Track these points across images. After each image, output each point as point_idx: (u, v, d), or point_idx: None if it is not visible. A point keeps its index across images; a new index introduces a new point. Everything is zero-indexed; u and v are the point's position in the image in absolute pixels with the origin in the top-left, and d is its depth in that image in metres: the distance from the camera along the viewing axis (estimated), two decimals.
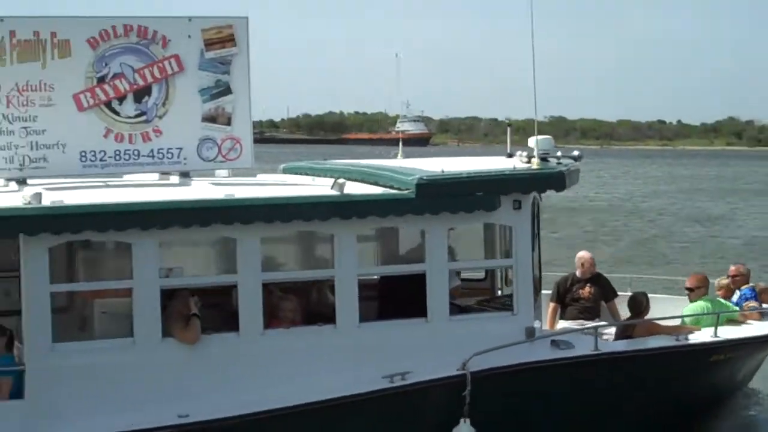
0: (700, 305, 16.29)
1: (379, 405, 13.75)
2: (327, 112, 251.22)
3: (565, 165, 15.15)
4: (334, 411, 13.56)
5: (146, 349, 13.22)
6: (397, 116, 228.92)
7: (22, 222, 12.60)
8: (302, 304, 14.44)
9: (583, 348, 14.83)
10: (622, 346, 15.40)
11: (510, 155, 16.26)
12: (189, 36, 14.67)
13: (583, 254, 17.33)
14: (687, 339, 15.42)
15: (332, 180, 14.72)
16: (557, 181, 14.76)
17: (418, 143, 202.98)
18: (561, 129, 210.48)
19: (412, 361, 14.06)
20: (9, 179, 14.44)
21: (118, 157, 14.53)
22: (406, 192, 14.08)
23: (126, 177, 15.23)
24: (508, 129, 17.35)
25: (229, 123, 14.87)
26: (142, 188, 14.28)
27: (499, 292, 16.92)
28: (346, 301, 14.00)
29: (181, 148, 14.75)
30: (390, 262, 15.51)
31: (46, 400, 12.76)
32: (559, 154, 15.45)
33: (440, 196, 14.15)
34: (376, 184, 14.70)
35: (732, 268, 17.67)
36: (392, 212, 14.01)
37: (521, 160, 15.30)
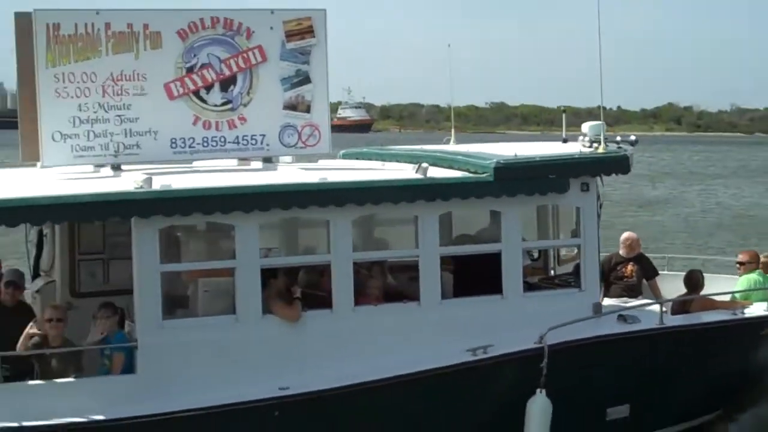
0: (753, 278, 17.16)
1: (464, 377, 14.52)
2: None
3: (624, 150, 15.99)
4: (424, 383, 14.31)
5: (248, 325, 13.90)
6: (339, 103, 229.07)
7: (136, 205, 13.23)
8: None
9: (649, 322, 15.68)
10: (685, 320, 16.25)
11: (565, 140, 17.06)
12: (271, 28, 15.31)
13: (629, 234, 18.14)
14: (743, 313, 16.32)
15: (403, 164, 15.47)
16: (623, 164, 15.61)
17: (359, 130, 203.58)
18: (502, 115, 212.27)
19: (489, 336, 14.83)
20: (101, 165, 14.98)
21: (206, 144, 15.16)
22: (484, 175, 14.84)
23: (195, 163, 15.77)
24: (564, 116, 18.13)
25: (308, 111, 15.53)
26: (234, 173, 14.92)
27: (552, 272, 17.73)
28: (429, 280, 14.75)
29: (264, 135, 15.40)
30: (463, 242, 16.20)
31: (156, 375, 13.39)
32: (618, 138, 16.27)
33: (516, 179, 14.94)
34: (450, 167, 15.43)
35: None
36: (473, 194, 14.79)
37: (584, 145, 16.08)
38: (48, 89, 14.44)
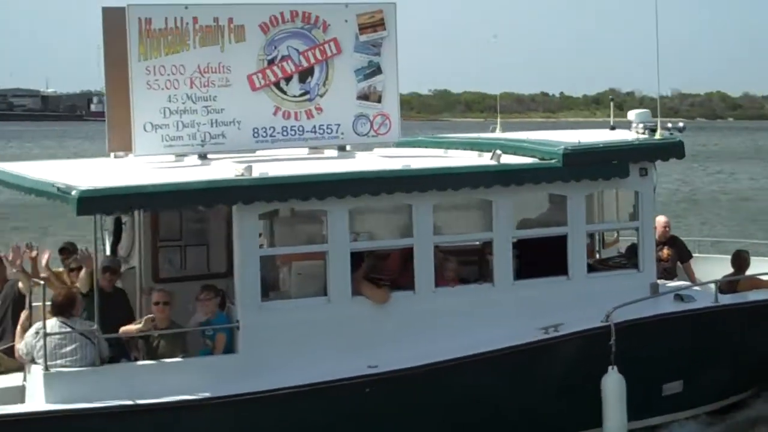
0: None
1: (539, 355, 15.31)
2: None
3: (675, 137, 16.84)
4: (503, 360, 15.08)
5: (339, 306, 14.59)
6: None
7: (240, 192, 13.88)
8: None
9: (703, 301, 16.55)
10: (735, 299, 17.12)
11: (613, 127, 17.86)
12: (346, 21, 15.98)
13: (660, 218, 18.90)
14: None
15: (465, 152, 16.25)
16: (679, 150, 16.46)
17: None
18: (445, 102, 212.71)
19: (557, 315, 15.62)
20: (182, 155, 15.57)
21: (285, 133, 15.82)
22: (552, 161, 15.62)
23: (261, 153, 16.30)
24: (611, 103, 18.90)
25: (379, 100, 16.22)
26: (318, 161, 15.58)
27: (598, 255, 18.54)
28: (503, 262, 15.52)
29: (339, 124, 16.07)
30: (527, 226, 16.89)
31: (256, 354, 14.05)
32: (669, 125, 17.09)
33: (582, 165, 15.74)
34: (515, 154, 16.17)
35: None
36: (543, 179, 15.56)
37: (637, 132, 16.89)
38: (140, 81, 15.03)
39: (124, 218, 16.69)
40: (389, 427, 14.55)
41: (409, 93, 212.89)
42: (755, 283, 17.31)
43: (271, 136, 15.77)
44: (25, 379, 13.88)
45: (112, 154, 16.67)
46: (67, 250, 16.09)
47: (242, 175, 13.97)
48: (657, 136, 16.58)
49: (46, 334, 13.23)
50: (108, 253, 16.91)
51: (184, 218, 16.50)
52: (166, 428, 13.47)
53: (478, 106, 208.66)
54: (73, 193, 13.13)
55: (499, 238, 15.51)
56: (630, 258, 16.96)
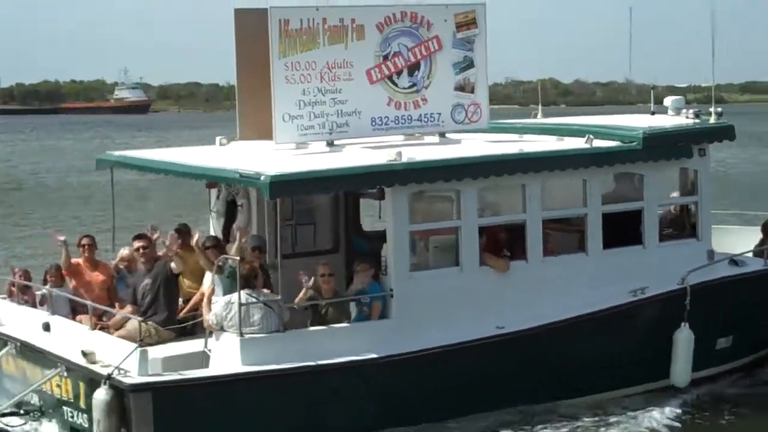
0: None
1: (632, 313, 17.45)
2: (42, 80, 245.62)
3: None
4: (606, 319, 17.18)
5: (469, 275, 16.48)
6: (116, 84, 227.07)
7: (395, 175, 15.65)
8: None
9: (756, 265, 18.94)
10: None
11: (653, 113, 20.08)
12: (445, 20, 17.79)
13: None
14: None
15: (542, 137, 18.28)
16: (731, 133, 18.78)
17: (137, 111, 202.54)
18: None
19: (637, 279, 17.77)
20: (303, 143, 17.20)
21: (397, 122, 17.58)
22: (633, 144, 17.75)
23: (348, 142, 17.91)
24: (652, 92, 21.10)
25: (473, 91, 18.08)
26: (432, 146, 17.37)
27: None
28: (595, 233, 17.60)
29: (440, 113, 17.89)
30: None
31: (406, 319, 15.85)
32: (719, 110, 19.29)
33: (658, 147, 17.91)
34: (596, 138, 18.16)
35: None
36: (628, 160, 17.68)
37: (687, 116, 19.14)
38: (280, 76, 16.59)
39: (240, 200, 18.19)
40: (515, 381, 16.47)
41: None
42: None
43: (385, 124, 17.47)
44: (206, 346, 15.34)
45: (216, 141, 18.22)
46: (182, 231, 17.53)
47: (395, 160, 15.69)
48: (712, 120, 18.82)
49: (240, 305, 14.74)
50: (213, 233, 18.37)
51: (295, 200, 18.11)
52: (339, 385, 15.14)
53: None
54: (263, 178, 14.69)
55: (592, 212, 17.56)
56: (680, 227, 19.11)
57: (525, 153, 16.81)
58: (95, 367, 14.66)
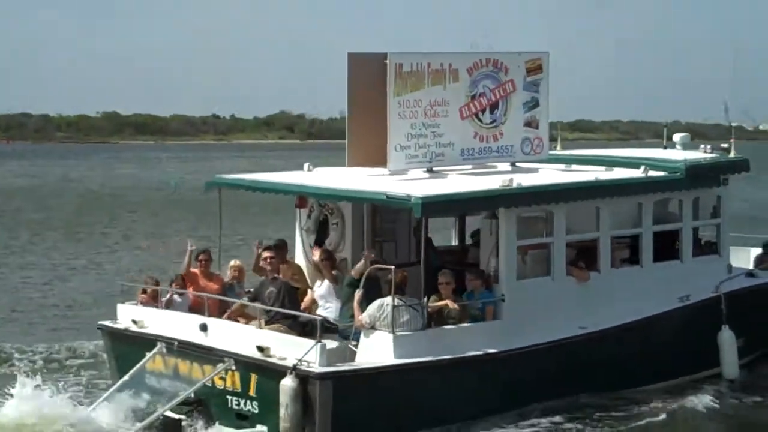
0: None
1: (683, 316, 20.58)
2: None
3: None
4: (665, 320, 20.25)
5: (558, 283, 19.36)
6: None
7: (510, 198, 18.45)
8: None
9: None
10: None
11: (665, 147, 23.37)
12: (518, 66, 20.70)
13: None
14: None
15: (588, 167, 21.31)
16: (747, 165, 22.15)
17: None
18: (115, 124, 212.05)
19: (678, 288, 20.91)
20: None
21: (480, 152, 20.38)
22: (677, 174, 20.90)
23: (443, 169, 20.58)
24: (665, 130, 24.34)
25: (537, 127, 21.00)
26: (521, 174, 20.17)
27: None
28: (646, 249, 20.69)
29: (512, 145, 20.74)
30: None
31: (513, 320, 18.61)
32: (721, 146, 22.70)
33: (695, 177, 21.11)
34: (636, 167, 21.24)
35: None
36: (674, 188, 20.84)
37: (705, 151, 22.44)
38: (395, 112, 19.20)
39: (335, 220, 20.70)
40: (596, 371, 19.35)
41: (77, 115, 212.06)
42: None
43: (471, 155, 20.23)
44: (351, 341, 17.68)
45: (305, 167, 20.76)
46: (278, 247, 19.93)
47: (508, 185, 18.46)
48: (731, 155, 22.16)
49: (393, 307, 17.27)
50: (301, 248, 20.87)
51: (378, 219, 20.72)
52: (468, 375, 17.78)
53: (149, 129, 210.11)
54: (413, 200, 17.34)
55: (645, 231, 20.64)
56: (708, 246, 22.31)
57: (601, 181, 19.76)
58: (274, 360, 16.92)
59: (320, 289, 19.26)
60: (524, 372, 18.37)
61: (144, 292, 19.78)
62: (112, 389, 18.48)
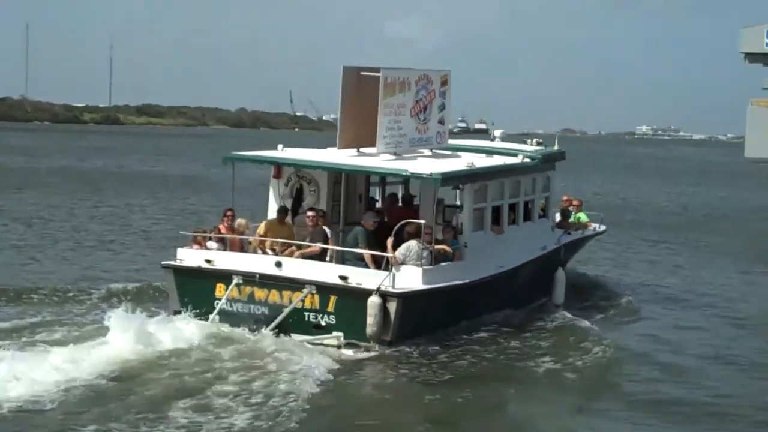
0: None
1: (544, 261, 29.61)
2: None
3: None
4: (535, 263, 29.22)
5: (488, 236, 27.87)
6: None
7: (475, 175, 26.71)
8: None
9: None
10: None
11: (493, 139, 32.37)
12: (437, 79, 28.75)
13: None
14: None
15: (479, 155, 30.06)
16: (564, 155, 31.51)
17: None
18: None
19: (538, 241, 29.99)
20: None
21: (418, 142, 28.36)
22: (536, 161, 29.91)
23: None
24: (493, 125, 33.02)
25: (443, 123, 29.15)
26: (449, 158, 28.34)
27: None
28: (519, 213, 29.59)
29: (431, 137, 28.64)
30: None
31: (471, 260, 26.90)
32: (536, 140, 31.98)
33: (545, 162, 30.25)
34: (512, 156, 29.99)
35: None
36: (535, 171, 29.88)
37: (531, 143, 31.63)
38: (381, 111, 26.75)
39: (312, 187, 27.72)
40: (505, 296, 27.98)
41: None
42: None
43: (413, 143, 28.09)
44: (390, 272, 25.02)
45: (279, 147, 27.86)
46: (282, 211, 26.96)
47: (471, 165, 26.65)
48: (556, 147, 31.51)
49: (421, 249, 25.00)
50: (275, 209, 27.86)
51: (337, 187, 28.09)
52: (458, 296, 25.76)
53: None
54: (434, 175, 25.18)
55: (521, 200, 29.46)
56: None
57: (512, 164, 28.39)
58: (353, 285, 24.14)
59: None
60: (479, 295, 26.53)
61: (195, 240, 25.96)
62: (213, 315, 24.74)
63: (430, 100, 28.48)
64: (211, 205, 53.70)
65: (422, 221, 25.19)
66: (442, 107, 29.00)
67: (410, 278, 24.69)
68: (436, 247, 25.62)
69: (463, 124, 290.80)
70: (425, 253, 24.96)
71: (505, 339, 26.00)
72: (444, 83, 29.00)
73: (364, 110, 26.90)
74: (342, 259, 25.36)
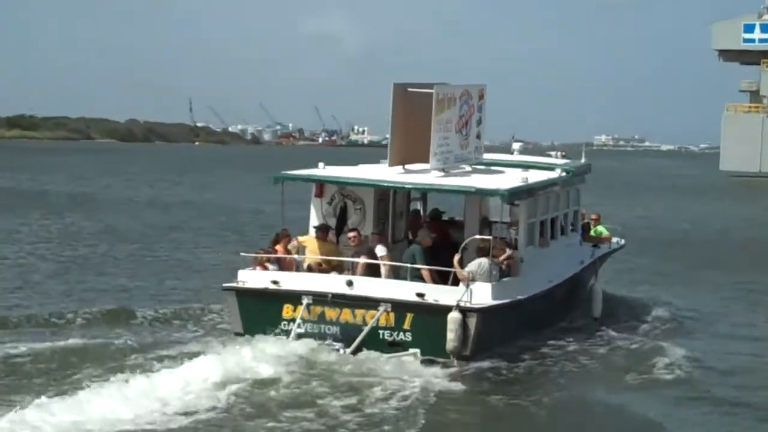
0: None
1: (585, 274, 29.81)
2: None
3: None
4: (578, 277, 29.40)
5: (537, 250, 27.93)
6: None
7: (530, 191, 26.78)
8: None
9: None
10: None
11: (513, 152, 32.49)
12: (475, 94, 28.74)
13: None
14: None
15: (515, 169, 30.18)
16: (591, 168, 31.77)
17: None
18: None
19: (574, 255, 30.19)
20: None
21: (461, 158, 28.36)
22: (570, 174, 30.08)
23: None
24: (513, 137, 33.09)
25: (480, 138, 29.15)
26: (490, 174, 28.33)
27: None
28: (559, 227, 29.75)
29: (471, 152, 28.81)
30: None
31: (526, 275, 26.97)
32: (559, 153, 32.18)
33: (577, 175, 30.44)
34: (549, 170, 30.12)
35: None
36: (570, 184, 30.01)
37: (556, 156, 31.78)
38: (434, 126, 26.70)
39: (357, 205, 27.35)
40: (556, 309, 28.11)
41: None
42: None
43: (457, 159, 27.97)
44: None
45: (320, 165, 27.60)
46: (321, 230, 26.74)
47: (526, 180, 26.69)
48: (583, 160, 31.74)
49: (491, 265, 24.97)
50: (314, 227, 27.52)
51: (383, 205, 27.91)
52: (522, 310, 25.84)
53: None
54: (501, 190, 25.24)
55: (561, 213, 29.60)
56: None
57: (558, 177, 28.49)
58: (430, 302, 24.04)
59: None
60: (539, 308, 26.64)
61: (260, 262, 25.55)
62: (291, 335, 24.40)
63: (470, 115, 28.41)
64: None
65: (489, 237, 25.14)
66: (479, 121, 28.96)
67: (482, 294, 24.64)
68: (506, 262, 25.62)
69: None
70: (494, 270, 24.94)
71: (569, 352, 26.34)
72: (481, 97, 28.95)
73: (411, 127, 26.77)
74: (396, 276, 25.10)
